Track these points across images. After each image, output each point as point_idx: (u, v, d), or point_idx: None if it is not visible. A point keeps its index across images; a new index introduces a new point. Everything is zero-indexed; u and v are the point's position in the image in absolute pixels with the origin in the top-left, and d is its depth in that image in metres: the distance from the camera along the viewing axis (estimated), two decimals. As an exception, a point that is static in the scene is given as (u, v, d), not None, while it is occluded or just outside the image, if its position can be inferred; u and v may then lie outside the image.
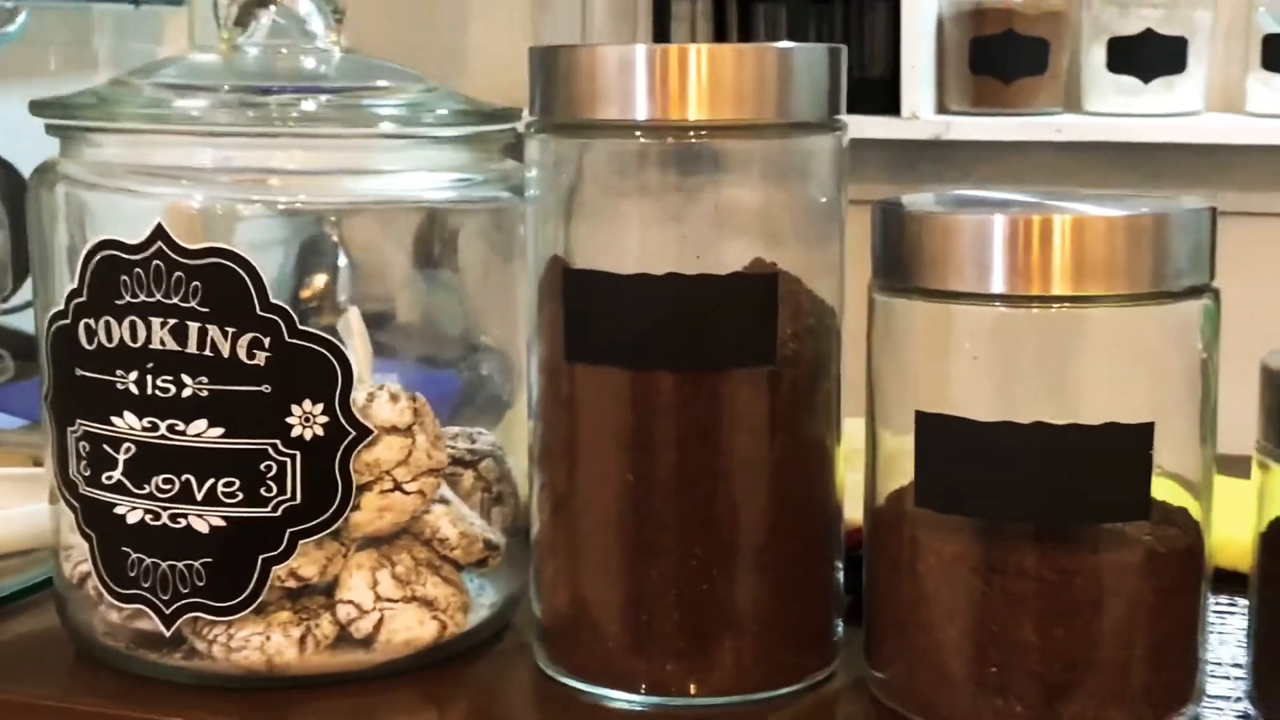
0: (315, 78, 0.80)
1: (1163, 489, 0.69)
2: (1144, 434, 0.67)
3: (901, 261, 0.70)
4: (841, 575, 0.77)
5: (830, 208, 0.75)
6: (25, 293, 1.53)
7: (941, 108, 2.45)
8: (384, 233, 0.81)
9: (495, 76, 2.48)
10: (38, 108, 0.78)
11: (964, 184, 2.35)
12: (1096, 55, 2.39)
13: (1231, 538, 0.80)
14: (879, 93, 2.41)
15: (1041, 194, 0.74)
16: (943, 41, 2.45)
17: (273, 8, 0.81)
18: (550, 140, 0.74)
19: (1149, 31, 2.34)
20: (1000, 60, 2.40)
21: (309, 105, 0.77)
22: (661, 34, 2.65)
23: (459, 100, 0.80)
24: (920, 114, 2.39)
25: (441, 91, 0.80)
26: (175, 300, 0.72)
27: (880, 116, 2.34)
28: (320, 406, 0.72)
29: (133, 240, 0.72)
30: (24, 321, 1.32)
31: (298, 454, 0.72)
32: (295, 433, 0.72)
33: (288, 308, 0.71)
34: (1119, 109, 2.38)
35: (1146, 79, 2.35)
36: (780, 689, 0.75)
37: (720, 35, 2.62)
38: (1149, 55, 2.35)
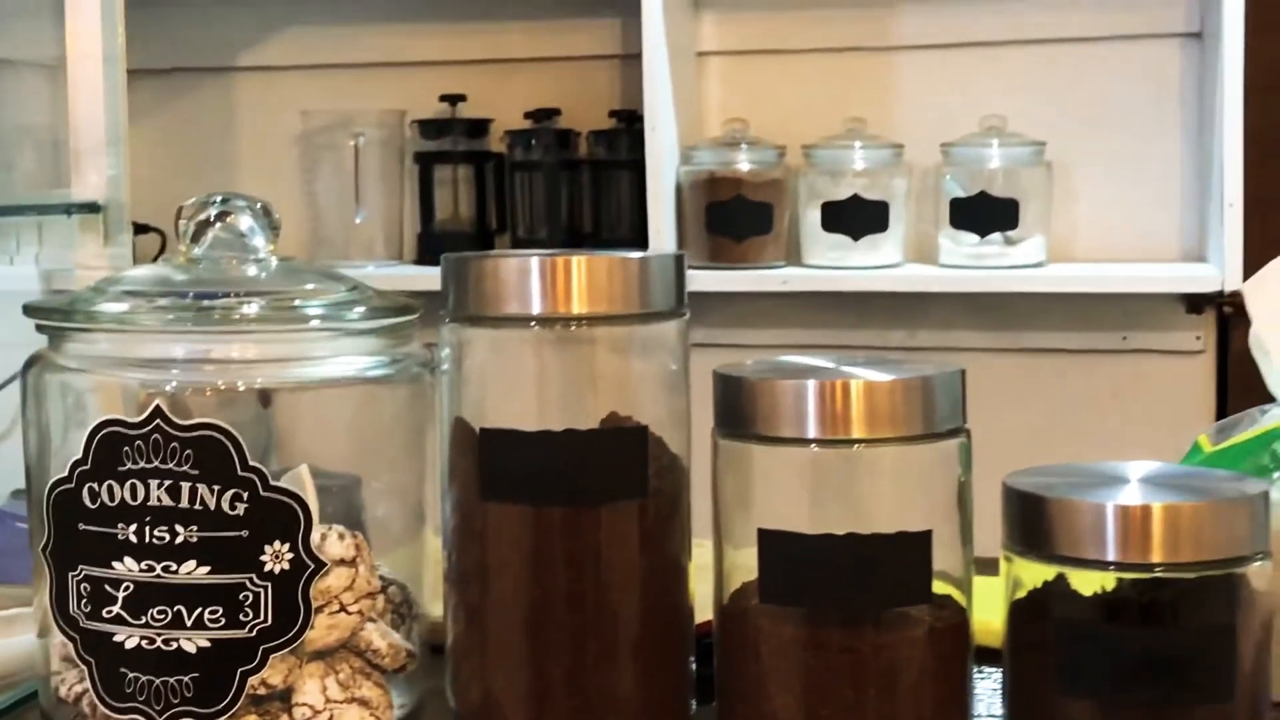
0: (256, 283, 0.95)
1: (936, 582, 0.88)
2: (924, 540, 0.86)
3: (741, 415, 0.88)
4: (694, 662, 0.95)
5: (678, 374, 0.93)
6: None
7: None
8: (318, 405, 0.96)
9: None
10: (31, 311, 0.92)
11: (701, 329, 2.58)
12: (813, 217, 2.61)
13: (987, 623, 0.99)
14: (628, 249, 2.60)
15: (836, 358, 0.93)
16: (682, 206, 2.64)
17: (218, 225, 0.96)
18: (461, 329, 0.91)
19: (855, 196, 2.57)
20: (732, 222, 2.60)
21: (250, 309, 0.92)
22: (426, 195, 2.82)
23: (375, 298, 0.96)
24: (656, 250, 2.58)
25: (361, 290, 0.96)
26: (171, 465, 0.86)
27: (611, 252, 2.52)
28: (287, 545, 0.87)
29: (133, 419, 0.86)
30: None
31: (269, 585, 0.87)
32: (268, 568, 0.87)
33: (262, 467, 0.86)
34: (833, 262, 2.59)
35: (855, 237, 2.57)
36: (653, 752, 0.91)
37: (480, 199, 2.80)
38: (856, 217, 2.57)
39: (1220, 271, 2.40)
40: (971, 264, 2.54)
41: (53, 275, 1.29)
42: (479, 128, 2.82)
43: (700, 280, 2.56)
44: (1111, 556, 0.85)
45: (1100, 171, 2.63)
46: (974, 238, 2.53)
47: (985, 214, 2.52)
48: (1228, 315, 2.59)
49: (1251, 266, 2.34)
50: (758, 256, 2.62)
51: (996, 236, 2.52)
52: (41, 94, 1.97)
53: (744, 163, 2.61)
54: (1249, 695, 0.87)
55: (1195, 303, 2.55)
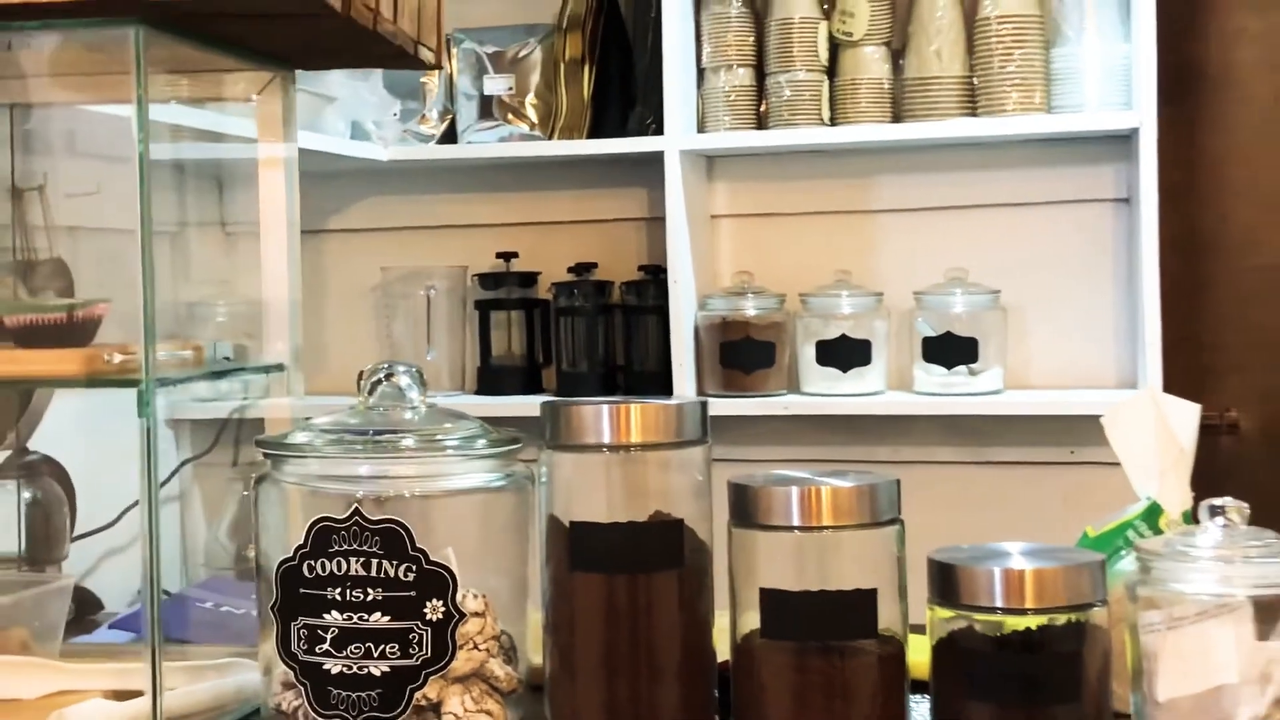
0: (412, 424, 1.31)
1: (881, 624, 1.23)
2: (871, 595, 1.22)
3: (746, 512, 1.24)
4: (716, 689, 1.29)
5: (704, 484, 1.28)
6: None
7: (701, 391, 2.87)
8: (450, 507, 1.31)
9: (345, 366, 2.95)
10: (261, 443, 1.28)
11: (718, 446, 2.85)
12: (808, 352, 2.84)
13: (921, 662, 1.33)
14: (655, 382, 2.89)
15: (813, 472, 1.28)
16: (699, 344, 2.87)
17: (386, 381, 1.32)
18: (554, 453, 1.27)
19: (844, 336, 2.81)
20: (741, 357, 2.83)
21: (409, 441, 1.28)
22: (485, 336, 3.03)
23: (492, 432, 1.32)
24: (687, 397, 2.87)
25: (483, 427, 1.32)
26: (364, 547, 1.21)
27: (657, 399, 2.82)
28: (441, 602, 1.22)
29: (339, 515, 1.22)
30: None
31: (429, 629, 1.22)
32: (428, 617, 1.22)
33: (424, 548, 1.21)
34: (826, 390, 2.83)
35: (844, 369, 2.82)
36: (689, 747, 1.26)
37: (530, 339, 3.06)
38: (845, 352, 2.81)
39: None
40: (941, 391, 2.77)
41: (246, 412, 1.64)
42: (529, 279, 3.03)
43: (716, 406, 2.77)
44: (999, 605, 1.20)
45: (1048, 313, 2.87)
46: (942, 370, 2.78)
47: (951, 350, 2.76)
48: (1158, 432, 2.89)
49: (1171, 390, 2.67)
50: (763, 386, 2.85)
51: (961, 369, 2.77)
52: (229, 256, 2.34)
53: (750, 308, 2.85)
54: (1094, 701, 1.21)
55: None
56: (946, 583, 1.23)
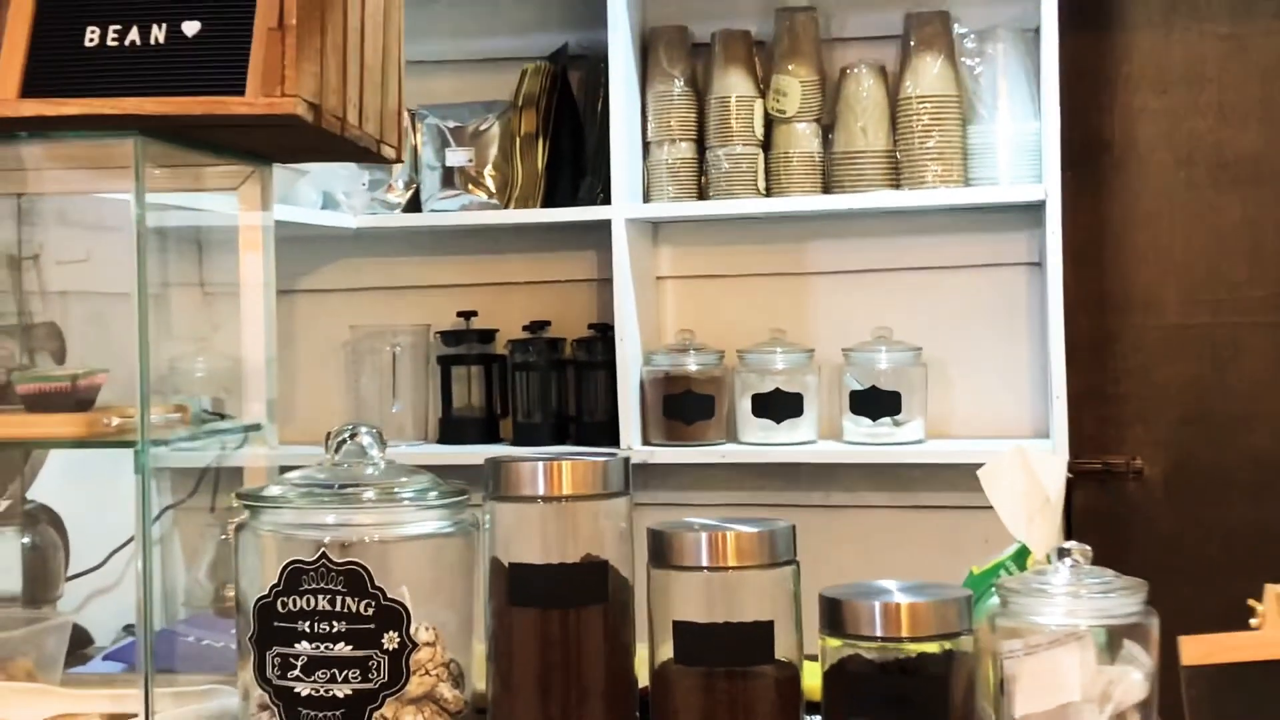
0: (372, 479, 1.47)
1: (778, 651, 1.39)
2: (769, 625, 1.38)
3: (662, 554, 1.40)
4: (637, 710, 1.45)
5: (626, 530, 1.44)
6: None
7: (646, 440, 3.00)
8: (405, 551, 1.46)
9: (315, 418, 3.09)
10: (241, 495, 1.43)
11: (663, 492, 2.99)
12: (745, 405, 2.98)
13: (811, 686, 1.49)
14: (603, 432, 3.02)
15: (721, 519, 1.44)
16: (644, 397, 3.00)
17: (350, 440, 1.48)
18: (496, 504, 1.43)
19: (778, 389, 2.95)
20: (683, 409, 2.97)
21: (369, 494, 1.44)
22: (446, 389, 3.16)
23: (443, 485, 1.48)
24: (633, 446, 2.97)
25: (434, 481, 1.48)
26: (330, 585, 1.37)
27: (605, 449, 2.96)
28: (397, 634, 1.38)
29: (308, 558, 1.38)
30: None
31: (387, 658, 1.38)
32: (386, 647, 1.38)
33: (383, 586, 1.37)
34: (761, 440, 2.96)
35: (778, 420, 2.96)
36: (613, 759, 1.42)
37: (488, 391, 3.19)
38: (778, 405, 2.95)
39: (1053, 446, 2.82)
40: (868, 441, 2.92)
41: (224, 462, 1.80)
42: (487, 336, 3.16)
43: (660, 455, 2.97)
44: (880, 633, 1.37)
45: (966, 368, 3.02)
46: (869, 421, 2.93)
47: (877, 403, 2.91)
48: (1070, 480, 3.04)
49: (1075, 440, 2.84)
50: (703, 436, 2.99)
51: (886, 420, 2.92)
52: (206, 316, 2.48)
53: (692, 364, 2.99)
54: (961, 716, 1.38)
55: None
56: (835, 616, 1.40)
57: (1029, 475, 1.57)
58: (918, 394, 2.97)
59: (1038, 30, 2.83)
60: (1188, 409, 3.01)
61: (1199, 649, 1.37)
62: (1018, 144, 2.90)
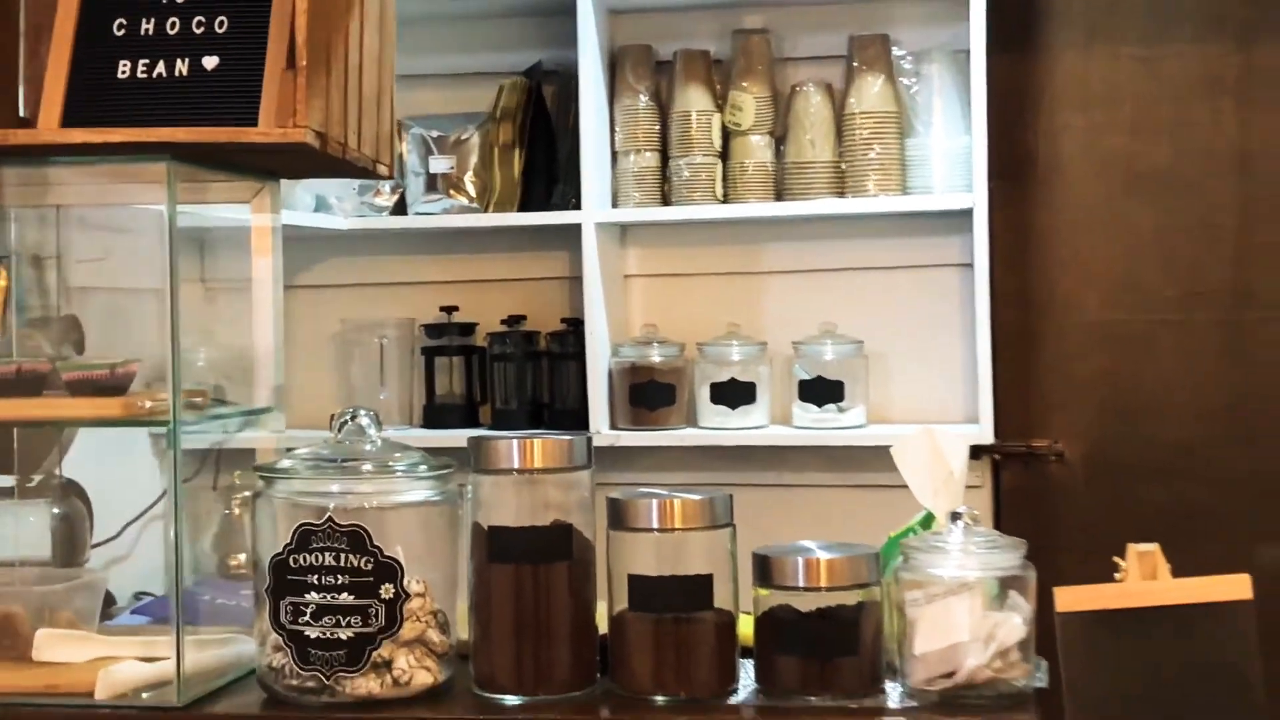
0: (370, 454, 1.66)
1: (716, 599, 1.59)
2: (708, 578, 1.58)
3: (620, 518, 1.60)
4: (598, 651, 1.65)
5: (589, 498, 1.64)
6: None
7: (613, 425, 3.15)
8: (399, 515, 1.66)
9: (307, 406, 3.25)
10: (258, 469, 1.63)
11: (630, 473, 3.16)
12: (704, 393, 3.13)
13: (745, 634, 1.68)
14: (574, 417, 3.15)
15: (670, 489, 1.64)
16: (612, 386, 3.15)
17: (351, 421, 1.68)
18: (479, 475, 1.63)
19: (733, 379, 3.12)
20: (647, 397, 3.13)
21: (368, 467, 1.63)
22: (430, 378, 3.30)
23: (433, 459, 1.67)
24: (601, 430, 3.12)
25: (425, 456, 1.67)
26: (335, 544, 1.57)
27: (556, 436, 3.07)
28: (392, 586, 1.58)
29: (317, 521, 1.57)
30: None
31: (384, 606, 1.58)
32: (383, 596, 1.58)
33: (380, 545, 1.57)
34: (718, 425, 3.12)
35: (733, 407, 3.12)
36: (575, 691, 1.62)
37: (469, 380, 3.35)
38: (734, 393, 3.11)
39: (981, 430, 3.01)
40: (815, 426, 3.09)
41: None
42: (468, 329, 3.30)
43: (626, 438, 3.13)
44: (802, 584, 1.57)
45: (904, 360, 3.19)
46: (815, 407, 3.09)
47: (823, 391, 3.08)
48: (998, 461, 3.24)
49: (1001, 427, 3.04)
50: (666, 421, 3.16)
51: (831, 407, 3.09)
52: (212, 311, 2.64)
53: (655, 355, 3.14)
54: (870, 654, 1.58)
55: (975, 452, 3.11)
56: (765, 570, 1.60)
57: (935, 452, 1.77)
58: (860, 383, 3.13)
59: (970, 52, 3.03)
60: (1104, 398, 3.21)
61: (1070, 598, 1.58)
62: (950, 156, 3.09)
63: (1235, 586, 1.57)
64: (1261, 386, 3.13)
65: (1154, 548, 1.60)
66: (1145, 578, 1.59)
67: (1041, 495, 3.25)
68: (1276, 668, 2.96)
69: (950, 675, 1.55)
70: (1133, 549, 1.61)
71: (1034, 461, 3.26)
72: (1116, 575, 1.61)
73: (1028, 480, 3.26)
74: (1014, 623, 1.56)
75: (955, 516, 1.60)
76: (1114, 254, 3.21)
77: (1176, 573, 1.60)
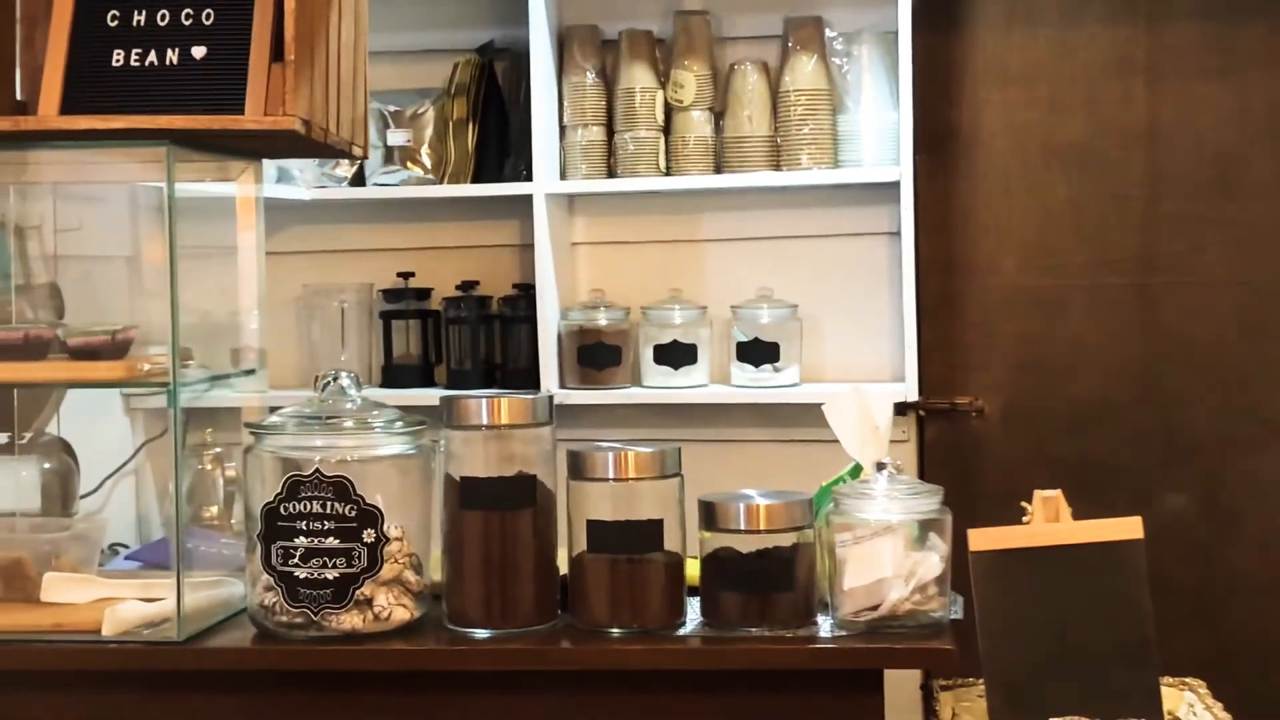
0: (351, 412, 1.79)
1: (666, 542, 1.74)
2: (659, 523, 1.73)
3: (579, 469, 1.74)
4: (559, 589, 1.79)
5: (551, 451, 1.78)
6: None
7: (562, 385, 3.24)
8: (379, 467, 1.79)
9: (273, 367, 3.34)
10: (249, 425, 1.75)
11: (578, 429, 3.27)
12: (648, 354, 3.24)
13: (692, 575, 1.83)
14: (525, 377, 3.25)
15: (624, 442, 1.78)
16: (561, 347, 3.25)
17: (333, 382, 1.80)
18: (451, 431, 1.76)
19: (675, 341, 3.23)
20: (594, 357, 3.23)
21: (348, 423, 1.76)
22: (388, 340, 3.37)
23: (408, 418, 1.80)
24: (552, 389, 3.21)
25: (401, 414, 1.80)
26: (321, 494, 1.70)
27: (521, 394, 3.19)
28: (373, 531, 1.71)
29: (304, 472, 1.70)
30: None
31: (365, 549, 1.71)
32: (365, 540, 1.71)
33: (362, 494, 1.70)
34: (662, 384, 3.23)
35: (676, 367, 3.23)
36: (539, 625, 1.76)
37: (425, 342, 3.45)
38: (676, 354, 3.23)
39: (906, 388, 3.16)
40: (752, 384, 3.21)
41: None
42: (424, 294, 3.38)
43: (574, 397, 3.24)
44: (743, 528, 1.72)
45: (836, 323, 3.31)
46: (752, 368, 3.21)
47: (759, 352, 3.20)
48: (923, 417, 3.39)
49: (925, 385, 3.20)
50: (612, 380, 3.25)
51: (767, 367, 3.21)
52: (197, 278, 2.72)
53: (602, 319, 3.24)
54: (804, 590, 1.74)
55: (901, 409, 3.22)
56: (710, 515, 1.75)
57: (862, 409, 1.92)
58: (794, 344, 3.26)
59: (897, 34, 3.16)
60: (1021, 357, 3.35)
61: (982, 539, 1.74)
62: (879, 131, 3.22)
63: (1128, 527, 1.73)
64: (1166, 347, 3.31)
65: (1056, 494, 1.76)
66: (1049, 520, 1.75)
67: (963, 448, 3.41)
68: (1172, 600, 3.16)
69: (875, 608, 1.71)
70: (1038, 495, 1.76)
71: (956, 417, 3.42)
72: (1024, 519, 1.77)
73: (951, 434, 3.42)
74: (932, 561, 1.71)
75: (880, 466, 1.75)
76: (1030, 223, 3.35)
77: (1084, 517, 1.76)
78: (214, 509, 2.79)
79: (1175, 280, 3.31)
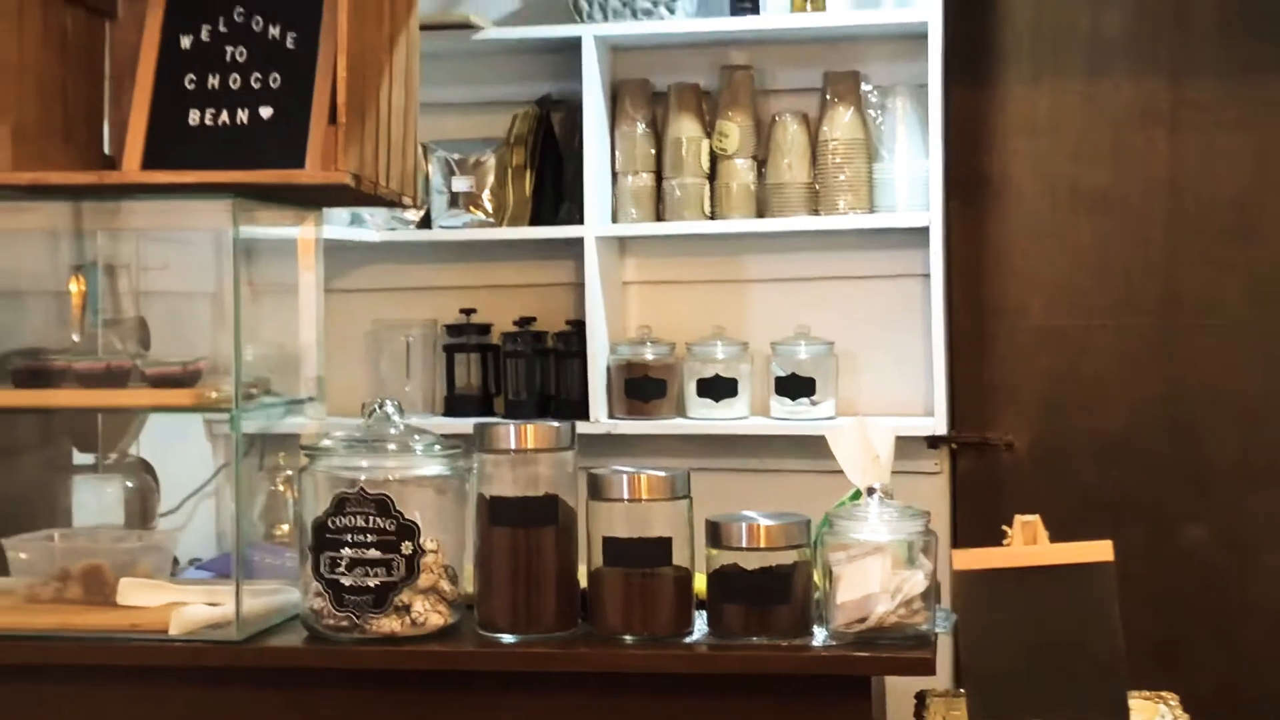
0: (394, 436, 1.95)
1: (675, 557, 1.88)
2: (668, 541, 1.87)
3: (597, 490, 1.89)
4: (579, 599, 1.94)
5: (574, 474, 1.93)
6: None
7: (611, 416, 3.37)
8: (417, 486, 1.94)
9: (343, 396, 3.50)
10: (305, 448, 1.92)
11: (626, 458, 3.39)
12: (691, 387, 3.36)
13: (699, 588, 1.96)
14: (577, 408, 3.39)
15: (638, 467, 1.92)
16: (610, 380, 3.38)
17: (379, 409, 1.96)
18: (483, 454, 1.92)
19: (717, 375, 3.35)
20: (641, 390, 3.36)
21: (392, 446, 1.92)
22: (450, 372, 3.53)
23: (445, 442, 1.96)
24: (601, 419, 3.36)
25: (440, 439, 1.95)
26: (365, 510, 1.86)
27: (580, 421, 3.24)
28: (411, 544, 1.87)
29: (350, 490, 1.86)
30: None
31: (404, 559, 1.86)
32: (404, 552, 1.86)
33: (402, 510, 1.85)
34: (704, 416, 3.35)
35: (717, 400, 3.34)
36: (560, 632, 1.91)
37: (484, 374, 3.61)
38: (718, 388, 3.34)
39: (935, 423, 3.26)
40: (790, 417, 3.32)
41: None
42: (484, 330, 3.52)
43: (622, 427, 3.35)
44: (746, 546, 1.85)
45: (870, 359, 3.41)
46: (790, 401, 3.33)
47: (796, 386, 3.32)
48: (955, 450, 3.49)
49: (958, 419, 3.31)
50: (658, 412, 3.35)
51: (804, 400, 3.32)
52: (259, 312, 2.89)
53: (649, 354, 3.37)
54: (801, 602, 1.87)
55: (934, 442, 3.34)
56: (716, 533, 1.88)
57: (864, 439, 2.04)
58: (830, 379, 3.37)
59: (928, 87, 3.28)
60: (1049, 394, 3.45)
61: (965, 558, 1.86)
62: (911, 179, 3.34)
63: (1099, 550, 1.85)
64: (1186, 383, 3.39)
65: (1035, 519, 1.88)
66: (1027, 542, 1.87)
67: (994, 480, 3.51)
68: (1191, 628, 3.23)
69: (864, 620, 1.83)
70: (1018, 519, 1.88)
71: (987, 450, 3.52)
72: (1004, 541, 1.89)
73: (982, 467, 3.52)
74: (917, 578, 1.84)
75: (871, 491, 1.88)
76: (1058, 266, 3.45)
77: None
78: (284, 527, 2.96)
79: (1194, 320, 3.40)
